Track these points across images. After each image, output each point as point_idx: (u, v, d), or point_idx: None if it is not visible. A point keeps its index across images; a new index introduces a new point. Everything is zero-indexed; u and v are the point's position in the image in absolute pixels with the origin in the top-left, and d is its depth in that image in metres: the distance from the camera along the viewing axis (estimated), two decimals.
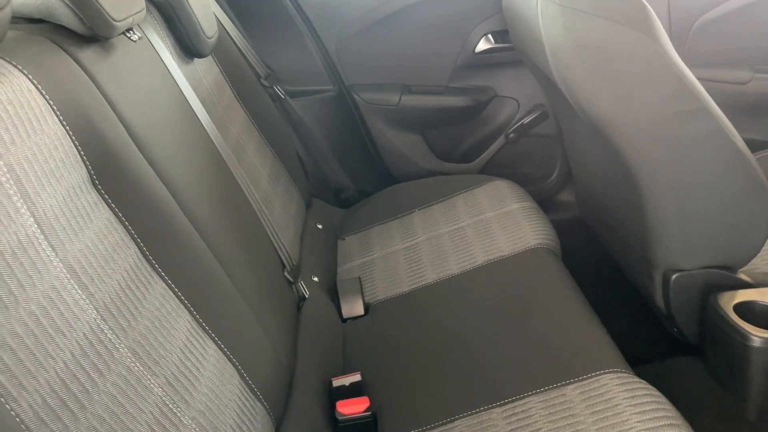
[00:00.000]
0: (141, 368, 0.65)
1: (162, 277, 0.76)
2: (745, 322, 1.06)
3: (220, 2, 1.58)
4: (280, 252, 1.13)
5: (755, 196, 1.07)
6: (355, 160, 1.79)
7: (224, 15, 1.52)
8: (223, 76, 1.37)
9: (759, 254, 1.18)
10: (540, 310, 1.09)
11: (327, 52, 1.71)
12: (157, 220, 0.78)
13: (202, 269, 0.83)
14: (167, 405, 0.66)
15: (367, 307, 1.28)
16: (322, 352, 1.10)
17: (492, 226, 1.39)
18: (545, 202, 1.67)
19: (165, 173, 0.83)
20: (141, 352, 0.66)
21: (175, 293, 0.77)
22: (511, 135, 1.73)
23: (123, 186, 0.75)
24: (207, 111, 1.15)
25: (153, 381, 0.66)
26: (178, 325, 0.76)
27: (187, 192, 0.87)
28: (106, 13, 0.81)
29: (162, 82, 0.98)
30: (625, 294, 1.49)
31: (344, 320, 1.26)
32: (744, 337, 1.03)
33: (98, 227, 0.69)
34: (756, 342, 1.02)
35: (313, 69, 1.70)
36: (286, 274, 1.12)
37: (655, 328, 1.37)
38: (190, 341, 0.76)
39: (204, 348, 0.78)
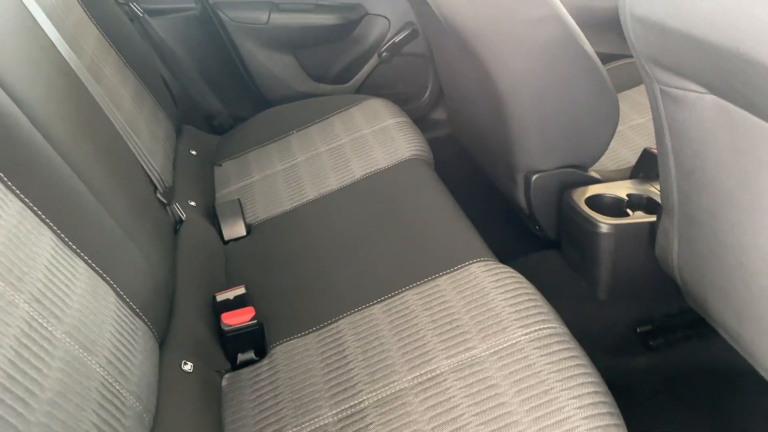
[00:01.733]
0: (2, 284, 0.62)
1: (16, 195, 0.71)
2: (594, 212, 1.18)
3: None
4: (150, 174, 1.09)
5: (603, 100, 1.17)
6: (226, 84, 1.73)
7: None
8: None
9: (606, 153, 1.30)
10: (414, 214, 1.15)
11: None
12: (6, 138, 0.72)
13: (61, 186, 0.79)
14: (36, 320, 0.64)
15: (249, 228, 1.28)
16: (204, 271, 1.09)
17: (369, 142, 1.42)
18: (419, 121, 1.72)
19: (9, 86, 0.76)
20: (1, 269, 0.63)
21: (33, 211, 0.73)
22: (384, 54, 1.75)
23: None
24: (57, 25, 1.05)
25: (18, 297, 0.63)
26: (41, 243, 0.72)
27: (37, 105, 0.80)
28: None
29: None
30: (493, 202, 1.60)
31: (226, 242, 1.25)
32: (593, 225, 1.15)
33: None
34: (603, 228, 1.14)
35: None
36: (158, 195, 1.08)
37: (520, 230, 1.49)
38: (56, 259, 0.73)
39: (72, 266, 0.75)
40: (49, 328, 0.65)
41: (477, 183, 1.65)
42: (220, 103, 1.72)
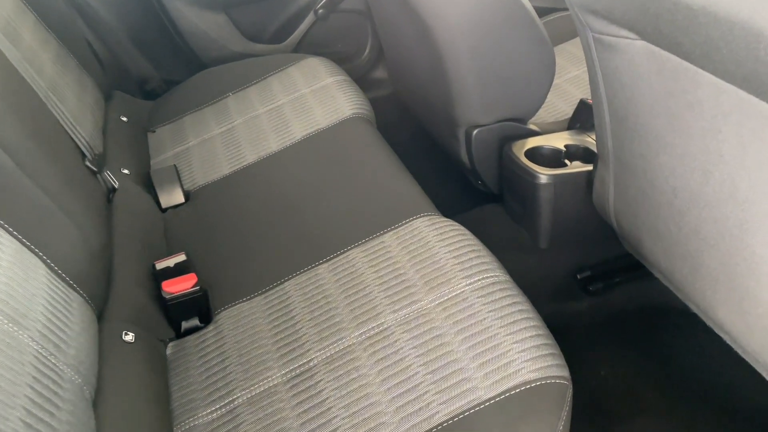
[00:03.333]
0: None
1: None
2: (533, 164, 1.20)
3: None
4: (77, 141, 1.03)
5: (539, 53, 1.18)
6: (156, 47, 1.65)
7: None
8: None
9: (544, 106, 1.32)
10: (356, 173, 1.14)
11: None
12: None
13: None
14: None
15: (187, 195, 1.24)
16: (141, 240, 1.05)
17: (308, 102, 1.39)
18: (360, 80, 1.69)
19: None
20: None
21: None
22: (320, 11, 1.70)
23: None
24: None
25: None
26: None
27: None
28: None
29: None
30: (436, 160, 1.60)
31: (164, 210, 1.21)
32: (533, 176, 1.17)
33: None
34: (543, 179, 1.16)
35: None
36: (87, 163, 1.03)
37: (463, 185, 1.50)
38: None
39: None
40: None
41: (420, 141, 1.65)
42: (152, 67, 1.64)
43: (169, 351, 0.91)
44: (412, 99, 1.57)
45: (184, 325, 0.94)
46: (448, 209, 1.11)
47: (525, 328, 0.79)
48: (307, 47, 1.74)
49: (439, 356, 0.78)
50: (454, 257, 0.90)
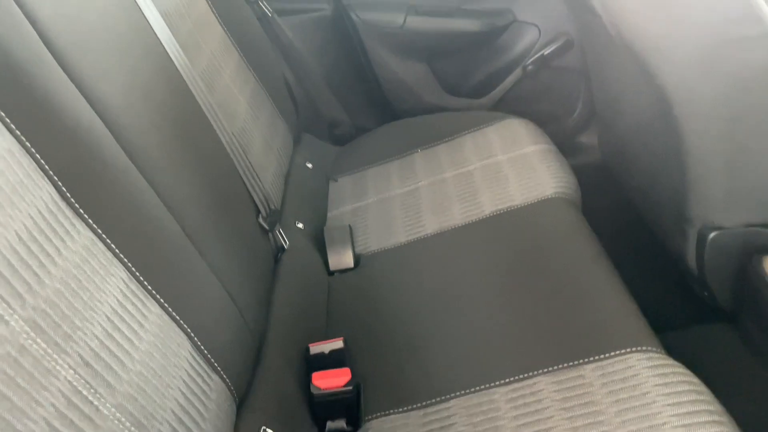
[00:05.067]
0: (44, 345, 0.50)
1: (87, 223, 0.61)
2: None
3: None
4: (254, 195, 0.97)
5: None
6: (352, 91, 1.60)
7: None
8: None
9: None
10: (555, 273, 0.93)
11: None
12: (80, 152, 0.62)
13: (143, 214, 0.67)
14: (79, 392, 0.52)
15: (357, 259, 1.13)
16: (302, 309, 0.95)
17: (504, 171, 1.22)
18: (564, 144, 1.49)
19: (93, 92, 0.66)
20: (45, 323, 0.51)
21: (105, 243, 0.62)
22: (530, 67, 1.53)
23: (29, 105, 0.58)
24: (172, 23, 0.96)
25: (60, 361, 0.51)
26: (108, 284, 0.60)
27: (126, 118, 0.70)
28: None
29: None
30: (646, 249, 1.34)
31: (331, 273, 1.12)
32: None
33: None
34: None
35: None
36: (260, 220, 0.96)
37: (682, 291, 1.22)
38: (124, 305, 0.61)
39: (143, 312, 0.63)
40: (96, 403, 0.53)
41: (628, 223, 1.40)
42: (344, 112, 1.59)
43: None
44: (627, 176, 1.33)
45: (330, 425, 0.81)
46: (658, 319, 0.87)
47: None
48: (509, 104, 1.58)
49: None
50: (677, 416, 0.66)
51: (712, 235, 1.01)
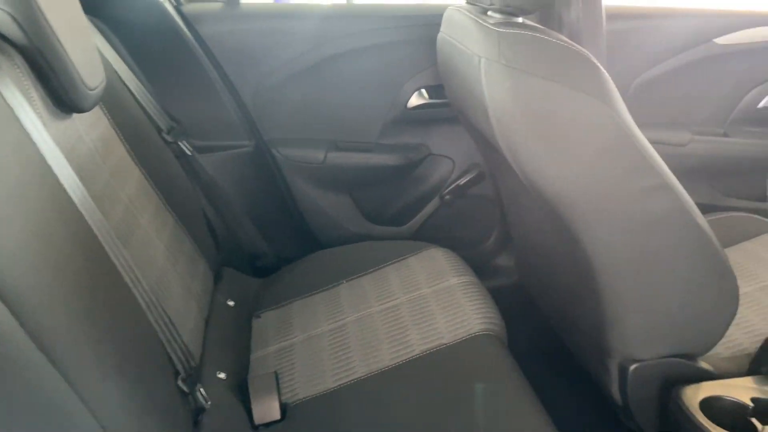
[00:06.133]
0: None
1: None
2: (715, 426, 0.94)
3: (116, 46, 1.37)
4: (173, 354, 0.91)
5: (720, 280, 0.97)
6: (273, 223, 1.59)
7: (119, 60, 1.31)
8: (114, 131, 1.15)
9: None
10: (486, 418, 0.92)
11: (243, 104, 1.52)
12: None
13: (41, 392, 0.61)
14: None
15: (284, 409, 1.07)
16: None
17: (430, 306, 1.22)
18: (482, 268, 1.53)
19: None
20: None
21: None
22: (447, 196, 1.60)
23: None
24: (88, 176, 0.93)
25: None
26: None
27: (33, 299, 0.65)
28: None
29: (13, 149, 0.76)
30: (569, 372, 1.36)
31: (256, 427, 1.05)
32: None
33: None
34: None
35: (227, 122, 1.50)
36: (179, 383, 0.90)
37: (609, 419, 1.24)
38: None
39: None
40: None
41: (549, 344, 1.42)
42: (266, 243, 1.58)
43: None
44: (546, 301, 1.38)
45: None
46: None
47: None
48: (428, 231, 1.62)
49: None
50: None
51: (632, 367, 1.04)
